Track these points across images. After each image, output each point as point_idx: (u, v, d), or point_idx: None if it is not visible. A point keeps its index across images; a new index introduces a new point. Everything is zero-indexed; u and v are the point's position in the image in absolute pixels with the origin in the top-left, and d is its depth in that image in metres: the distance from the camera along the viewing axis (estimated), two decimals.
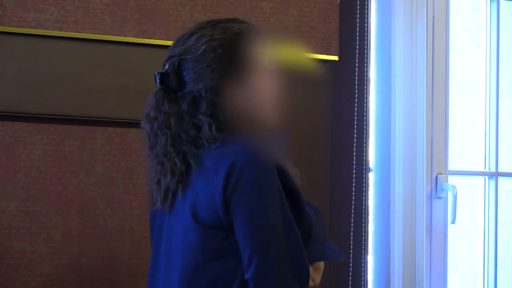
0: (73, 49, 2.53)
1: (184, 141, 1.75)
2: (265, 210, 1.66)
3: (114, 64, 2.57)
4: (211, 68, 1.76)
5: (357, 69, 2.91)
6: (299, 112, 2.78)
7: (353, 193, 2.89)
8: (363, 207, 2.90)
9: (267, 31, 1.91)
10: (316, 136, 2.84)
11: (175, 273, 1.75)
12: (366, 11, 2.94)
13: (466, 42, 3.29)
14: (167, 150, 1.76)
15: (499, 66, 3.23)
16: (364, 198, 2.91)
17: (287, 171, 1.75)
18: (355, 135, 2.90)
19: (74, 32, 2.54)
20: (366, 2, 2.94)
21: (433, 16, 3.01)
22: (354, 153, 2.90)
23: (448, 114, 3.03)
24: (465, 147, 3.27)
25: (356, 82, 2.91)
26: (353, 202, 2.89)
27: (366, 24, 2.93)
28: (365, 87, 2.92)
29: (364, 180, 2.91)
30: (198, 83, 1.76)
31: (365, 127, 2.91)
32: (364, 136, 2.91)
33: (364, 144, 2.91)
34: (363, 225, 2.91)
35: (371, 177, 2.98)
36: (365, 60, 2.92)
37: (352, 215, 2.88)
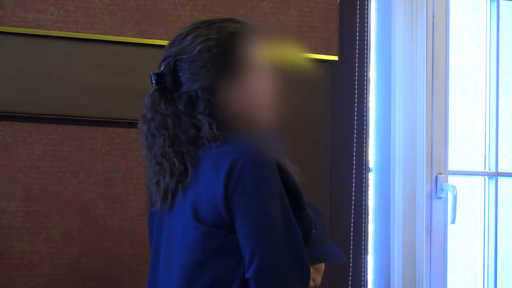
0: (73, 49, 2.53)
1: (183, 141, 1.75)
2: (266, 209, 1.66)
3: (114, 64, 2.57)
4: (206, 68, 1.76)
5: (357, 69, 2.91)
6: (299, 112, 2.78)
7: (353, 193, 2.89)
8: (363, 207, 2.90)
9: (263, 31, 1.92)
10: (316, 136, 2.84)
11: (176, 273, 1.75)
12: (366, 11, 2.94)
13: (466, 42, 3.29)
14: (165, 150, 1.76)
15: (499, 66, 3.23)
16: (364, 198, 2.91)
17: (288, 169, 1.75)
18: (355, 135, 2.90)
19: (74, 32, 2.54)
20: (366, 2, 2.94)
21: (433, 16, 3.01)
22: (354, 153, 2.90)
23: (448, 114, 3.03)
24: (465, 147, 3.27)
25: (356, 82, 2.91)
26: (353, 202, 2.89)
27: (366, 24, 2.93)
28: (365, 87, 2.92)
29: (364, 180, 2.91)
30: (194, 83, 1.76)
31: (365, 127, 2.91)
32: (364, 136, 2.91)
33: (364, 144, 2.91)
34: (363, 225, 2.91)
35: (371, 177, 2.98)
36: (365, 60, 2.92)
37: (352, 215, 2.88)
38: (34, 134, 2.51)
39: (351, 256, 2.87)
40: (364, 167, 2.91)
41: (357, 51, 2.91)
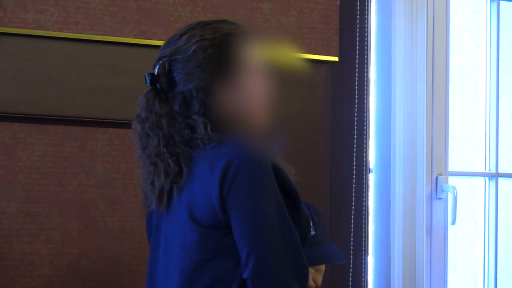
0: (73, 50, 2.53)
1: (178, 142, 1.75)
2: (261, 209, 1.66)
3: (114, 65, 2.57)
4: (201, 68, 1.76)
5: (357, 70, 2.91)
6: (299, 113, 2.78)
7: (353, 194, 2.89)
8: (363, 208, 2.90)
9: (257, 33, 1.92)
10: (316, 137, 2.84)
11: (175, 274, 1.75)
12: (366, 12, 2.94)
13: (466, 43, 3.29)
14: (160, 150, 1.76)
15: (499, 67, 3.23)
16: (364, 199, 2.91)
17: (283, 170, 1.75)
18: (355, 136, 2.90)
19: (74, 33, 2.54)
20: (366, 3, 2.94)
21: (433, 17, 3.01)
22: (354, 154, 2.90)
23: (448, 115, 3.03)
24: (465, 148, 3.27)
25: (356, 83, 2.91)
26: (353, 203, 2.89)
27: (366, 25, 2.93)
28: (365, 88, 2.92)
29: (364, 181, 2.91)
30: (188, 83, 1.76)
31: (365, 128, 2.91)
32: (364, 137, 2.91)
33: (364, 145, 2.91)
34: (363, 226, 2.91)
35: (371, 178, 2.98)
36: (365, 61, 2.92)
37: (352, 216, 2.88)
38: (35, 135, 2.51)
39: (351, 256, 2.86)
40: (364, 168, 2.91)
41: (357, 52, 2.91)
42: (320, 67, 2.84)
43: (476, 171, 3.25)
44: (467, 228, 3.27)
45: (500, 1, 3.23)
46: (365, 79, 2.92)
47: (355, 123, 2.90)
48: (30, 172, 2.50)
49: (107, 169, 2.57)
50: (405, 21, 2.94)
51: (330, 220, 2.84)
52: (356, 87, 2.91)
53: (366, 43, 2.93)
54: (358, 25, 2.92)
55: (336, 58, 2.86)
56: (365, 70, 2.92)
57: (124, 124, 2.56)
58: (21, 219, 2.48)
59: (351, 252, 2.87)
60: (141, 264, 2.56)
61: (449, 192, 2.98)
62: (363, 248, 2.90)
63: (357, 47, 2.91)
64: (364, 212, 2.90)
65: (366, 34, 2.93)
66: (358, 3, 2.92)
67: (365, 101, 2.92)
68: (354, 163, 2.90)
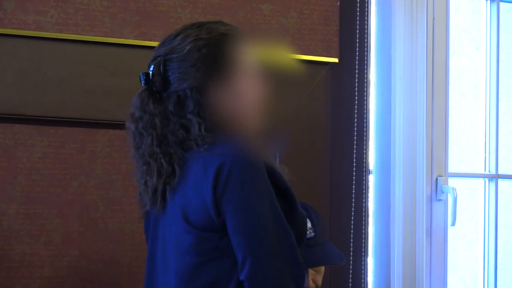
0: (73, 52, 2.53)
1: (171, 142, 1.75)
2: (255, 211, 1.66)
3: (114, 66, 2.56)
4: (196, 67, 1.76)
5: (357, 71, 2.91)
6: (299, 114, 2.78)
7: (353, 196, 2.89)
8: (363, 209, 2.90)
9: (253, 34, 1.92)
10: (316, 138, 2.84)
11: (172, 276, 1.75)
12: (366, 13, 2.94)
13: (466, 44, 3.29)
14: (153, 150, 1.76)
15: (499, 68, 3.23)
16: (364, 200, 2.91)
17: (277, 170, 1.75)
18: (355, 137, 2.90)
19: (74, 34, 2.54)
20: (366, 4, 2.94)
21: (433, 18, 3.01)
22: (354, 155, 2.90)
23: (448, 116, 3.03)
24: (465, 149, 3.27)
25: (356, 84, 2.91)
26: (353, 204, 2.88)
27: (366, 26, 2.93)
28: (365, 89, 2.92)
29: (364, 182, 2.91)
30: (183, 82, 1.76)
31: (365, 129, 2.91)
32: (364, 138, 2.91)
33: (364, 146, 2.91)
34: (363, 227, 2.90)
35: (371, 179, 2.98)
36: (365, 62, 2.92)
37: (352, 218, 2.88)
38: (35, 136, 2.51)
39: (351, 258, 2.86)
40: (364, 169, 2.91)
41: (357, 53, 2.91)
42: (320, 69, 2.84)
43: (476, 173, 3.25)
44: (467, 230, 3.27)
45: (500, 3, 3.23)
46: (365, 80, 2.92)
47: (355, 124, 2.90)
48: (30, 174, 2.50)
49: (107, 171, 2.57)
50: (405, 23, 2.94)
51: (330, 221, 2.84)
52: (356, 89, 2.91)
53: (366, 44, 2.93)
54: (358, 27, 2.92)
55: (336, 60, 2.86)
56: (365, 71, 2.92)
57: (124, 126, 2.56)
58: (21, 221, 2.48)
59: (351, 253, 2.87)
60: (141, 265, 2.55)
61: (449, 194, 2.98)
62: (363, 249, 2.90)
63: (357, 49, 2.91)
64: (364, 214, 2.90)
65: (366, 35, 2.93)
66: (358, 5, 2.92)
67: (365, 102, 2.92)
68: (354, 164, 2.90)
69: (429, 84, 2.97)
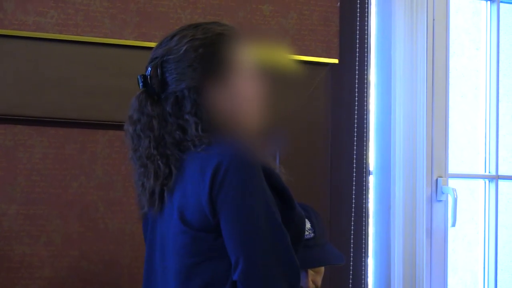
0: (73, 52, 2.53)
1: (168, 143, 1.75)
2: (249, 211, 1.66)
3: (114, 67, 2.56)
4: (193, 67, 1.76)
5: (357, 72, 2.91)
6: (299, 115, 2.78)
7: (353, 196, 2.89)
8: (363, 210, 2.90)
9: (249, 35, 1.92)
10: (316, 139, 2.84)
11: (170, 277, 1.75)
12: (366, 14, 2.94)
13: (466, 45, 3.29)
14: (150, 152, 1.76)
15: (499, 69, 3.23)
16: (364, 201, 2.91)
17: (274, 171, 1.75)
18: (355, 138, 2.90)
19: (74, 35, 2.54)
20: (366, 5, 2.94)
21: (433, 19, 3.01)
22: (354, 156, 2.90)
23: (448, 117, 3.03)
24: (465, 150, 3.27)
25: (356, 85, 2.91)
26: (353, 205, 2.88)
27: (366, 27, 2.93)
28: (365, 90, 2.92)
29: (364, 183, 2.91)
30: (180, 82, 1.76)
31: (365, 130, 2.91)
32: (364, 139, 2.91)
33: (364, 147, 2.91)
34: (364, 228, 2.90)
35: (371, 180, 2.98)
36: (365, 63, 2.92)
37: (353, 218, 2.88)
38: (35, 137, 2.51)
39: (351, 259, 2.86)
40: (364, 170, 2.91)
41: (357, 54, 2.91)
42: (320, 69, 2.84)
43: (476, 173, 3.25)
44: (467, 230, 3.27)
45: (500, 3, 3.24)
46: (365, 81, 2.92)
47: (355, 125, 2.90)
48: (30, 174, 2.50)
49: (107, 171, 2.57)
50: (405, 23, 2.94)
51: (330, 222, 2.84)
52: (356, 89, 2.91)
53: (366, 45, 2.93)
54: (358, 27, 2.92)
55: (336, 60, 2.87)
56: (365, 72, 2.92)
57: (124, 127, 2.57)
58: (21, 221, 2.48)
59: (351, 254, 2.87)
60: (141, 266, 2.54)
61: (449, 194, 2.99)
62: (363, 250, 2.90)
63: (357, 49, 2.91)
64: (364, 214, 2.90)
65: (366, 36, 2.93)
66: (358, 5, 2.92)
67: (365, 103, 2.92)
68: (354, 165, 2.90)
69: (429, 85, 2.97)
